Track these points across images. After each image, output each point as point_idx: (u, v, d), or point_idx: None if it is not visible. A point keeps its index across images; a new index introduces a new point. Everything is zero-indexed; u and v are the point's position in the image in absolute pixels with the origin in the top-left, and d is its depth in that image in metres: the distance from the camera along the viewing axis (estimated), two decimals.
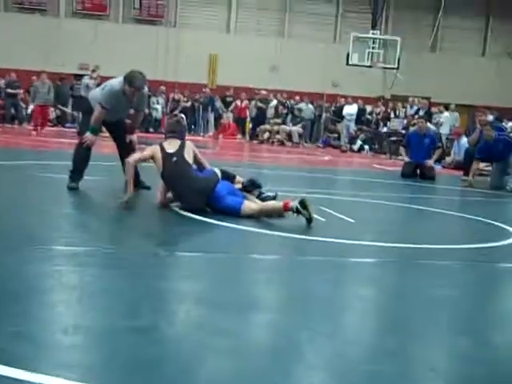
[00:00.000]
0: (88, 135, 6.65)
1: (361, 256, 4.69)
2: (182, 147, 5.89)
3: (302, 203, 5.50)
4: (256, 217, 5.65)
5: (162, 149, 5.86)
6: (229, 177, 6.12)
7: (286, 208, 5.59)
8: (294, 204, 5.51)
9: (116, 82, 6.66)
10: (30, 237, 4.44)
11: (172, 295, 3.42)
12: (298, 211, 5.50)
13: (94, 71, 17.11)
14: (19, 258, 3.80)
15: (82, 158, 6.72)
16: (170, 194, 5.99)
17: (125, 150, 6.90)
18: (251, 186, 6.18)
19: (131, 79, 6.54)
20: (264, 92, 21.58)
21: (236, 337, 2.78)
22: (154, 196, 6.24)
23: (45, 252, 4.02)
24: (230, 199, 5.71)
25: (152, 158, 5.91)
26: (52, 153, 7.10)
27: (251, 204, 5.78)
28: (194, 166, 5.99)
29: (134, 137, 7.10)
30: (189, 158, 5.87)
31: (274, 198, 6.02)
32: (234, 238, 5.10)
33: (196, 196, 5.71)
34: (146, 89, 6.96)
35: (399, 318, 3.31)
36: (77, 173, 6.68)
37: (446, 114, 18.96)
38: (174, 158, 5.78)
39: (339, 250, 4.84)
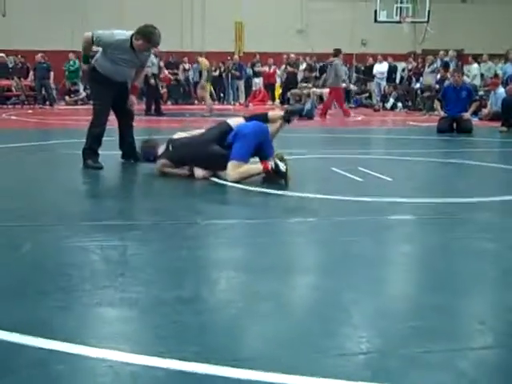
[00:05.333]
0: (82, 66, 6.75)
1: (401, 214, 4.62)
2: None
3: (279, 156, 5.53)
4: (238, 181, 5.62)
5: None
6: (258, 117, 6.13)
7: (266, 168, 5.56)
8: (272, 162, 5.51)
9: (125, 33, 6.42)
10: (65, 214, 4.48)
11: (213, 263, 3.42)
12: (276, 166, 5.47)
13: None
14: (59, 235, 3.84)
15: (94, 135, 6.60)
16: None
17: (124, 120, 6.86)
18: (291, 116, 6.13)
19: (149, 35, 6.28)
20: (292, 55, 21.32)
21: (279, 301, 2.77)
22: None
23: (84, 228, 4.05)
24: (231, 151, 5.72)
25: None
26: (82, 131, 7.10)
27: (230, 168, 5.69)
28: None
29: (133, 98, 6.90)
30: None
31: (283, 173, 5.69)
32: (271, 204, 5.07)
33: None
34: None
35: (443, 273, 3.25)
36: (92, 150, 6.59)
37: (475, 65, 18.45)
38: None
39: (379, 208, 4.78)
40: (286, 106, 20.49)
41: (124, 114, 6.89)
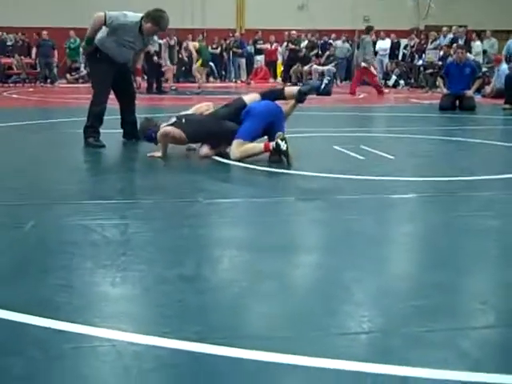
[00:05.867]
0: (81, 47, 6.58)
1: (403, 192, 4.61)
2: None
3: (281, 136, 5.49)
4: (240, 160, 5.62)
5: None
6: (273, 93, 6.11)
7: (267, 148, 5.55)
8: (273, 142, 5.50)
9: (135, 15, 6.42)
10: (67, 193, 4.48)
11: (215, 242, 3.42)
12: (277, 146, 5.44)
13: None
14: (61, 214, 3.84)
15: (95, 113, 6.58)
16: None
17: (126, 101, 6.81)
18: (303, 96, 6.05)
19: (158, 19, 6.33)
20: (294, 32, 21.14)
21: (281, 280, 2.77)
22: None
23: (86, 207, 4.04)
24: (241, 127, 5.75)
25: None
26: (83, 109, 7.07)
27: (233, 147, 5.70)
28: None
29: (139, 79, 6.99)
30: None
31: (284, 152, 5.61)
32: (273, 182, 5.06)
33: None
34: None
35: (446, 251, 3.25)
36: (94, 128, 6.58)
37: (478, 43, 18.26)
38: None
39: (381, 187, 4.77)
40: (288, 83, 20.43)
41: (125, 94, 6.86)
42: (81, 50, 19.80)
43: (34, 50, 19.65)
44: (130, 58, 6.70)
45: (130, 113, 6.94)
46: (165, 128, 5.82)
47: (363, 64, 15.74)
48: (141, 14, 6.43)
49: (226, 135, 5.80)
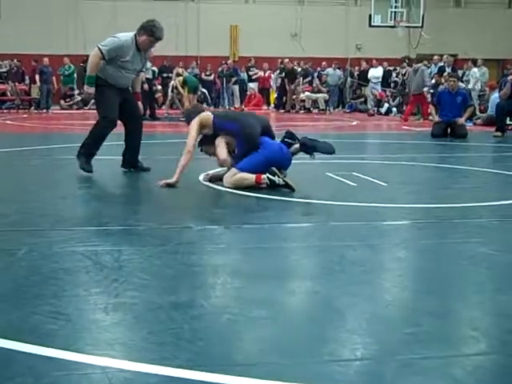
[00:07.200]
0: (85, 87, 6.35)
1: (395, 219, 4.63)
2: None
3: (272, 171, 5.52)
4: (232, 187, 5.63)
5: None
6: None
7: (259, 180, 5.56)
8: (265, 176, 5.52)
9: (127, 34, 6.33)
10: (61, 219, 4.47)
11: (208, 269, 3.42)
12: (269, 180, 5.49)
13: None
14: (53, 240, 3.83)
15: (96, 135, 6.46)
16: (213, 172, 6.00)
17: (132, 125, 6.63)
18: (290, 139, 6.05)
19: (152, 28, 6.23)
20: (286, 60, 21.32)
21: (274, 306, 2.77)
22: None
23: (78, 233, 4.04)
24: (246, 158, 5.76)
25: (202, 127, 5.94)
26: (78, 135, 7.08)
27: (229, 174, 5.73)
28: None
29: (140, 104, 6.83)
30: None
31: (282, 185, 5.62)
32: (265, 209, 5.07)
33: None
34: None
35: (437, 278, 3.26)
36: (89, 152, 6.44)
37: (475, 69, 18.51)
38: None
39: (373, 213, 4.79)
40: (281, 110, 20.53)
41: (132, 118, 6.65)
42: (75, 76, 19.98)
43: (37, 77, 19.49)
44: (130, 81, 6.60)
45: (135, 139, 6.70)
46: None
47: (425, 89, 15.96)
48: (132, 32, 6.35)
49: (253, 140, 5.79)
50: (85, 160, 6.43)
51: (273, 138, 6.03)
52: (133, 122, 6.68)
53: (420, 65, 16.50)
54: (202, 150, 6.11)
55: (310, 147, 5.84)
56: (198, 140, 6.03)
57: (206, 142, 6.01)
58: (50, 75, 19.33)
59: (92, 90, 6.34)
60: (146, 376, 2.09)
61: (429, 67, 18.86)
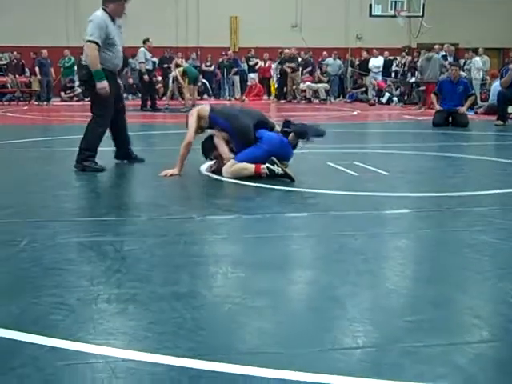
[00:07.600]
0: (97, 85, 6.17)
1: (396, 208, 4.62)
2: None
3: (272, 161, 5.52)
4: (232, 177, 5.65)
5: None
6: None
7: (258, 170, 5.57)
8: (264, 165, 5.54)
9: (97, 12, 6.22)
10: (63, 211, 4.48)
11: (209, 259, 3.42)
12: (269, 169, 5.50)
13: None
14: (54, 231, 3.83)
15: (97, 135, 6.39)
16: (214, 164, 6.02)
17: (120, 116, 6.60)
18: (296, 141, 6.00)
19: None
20: (287, 50, 21.28)
21: (275, 296, 2.77)
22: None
23: (80, 224, 4.05)
24: (245, 150, 5.77)
25: (200, 118, 6.00)
26: (78, 127, 7.07)
27: (228, 165, 5.75)
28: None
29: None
30: None
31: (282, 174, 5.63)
32: (266, 198, 5.07)
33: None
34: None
35: (439, 266, 3.26)
36: (91, 152, 6.34)
37: (477, 58, 18.46)
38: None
39: (374, 203, 4.78)
40: (282, 101, 20.49)
41: (118, 110, 6.59)
42: (75, 67, 19.91)
43: (36, 69, 19.45)
44: (121, 56, 6.52)
45: (123, 128, 6.72)
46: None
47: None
48: (98, 10, 6.24)
49: (248, 135, 5.81)
50: (91, 163, 6.32)
51: (272, 128, 6.03)
52: (119, 114, 6.59)
53: (433, 53, 16.40)
54: (211, 159, 6.13)
55: (303, 133, 5.83)
56: (201, 151, 6.14)
57: (209, 149, 6.08)
58: (48, 67, 19.29)
59: (105, 83, 6.21)
60: (149, 365, 2.10)
61: None
